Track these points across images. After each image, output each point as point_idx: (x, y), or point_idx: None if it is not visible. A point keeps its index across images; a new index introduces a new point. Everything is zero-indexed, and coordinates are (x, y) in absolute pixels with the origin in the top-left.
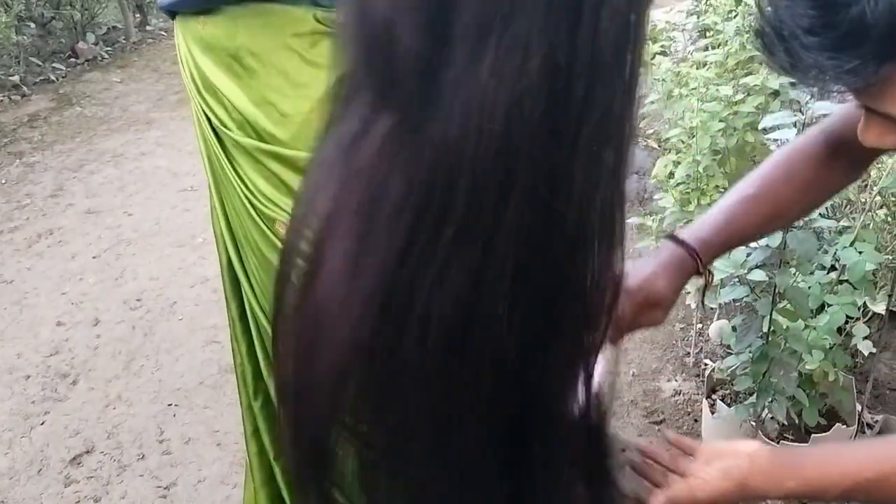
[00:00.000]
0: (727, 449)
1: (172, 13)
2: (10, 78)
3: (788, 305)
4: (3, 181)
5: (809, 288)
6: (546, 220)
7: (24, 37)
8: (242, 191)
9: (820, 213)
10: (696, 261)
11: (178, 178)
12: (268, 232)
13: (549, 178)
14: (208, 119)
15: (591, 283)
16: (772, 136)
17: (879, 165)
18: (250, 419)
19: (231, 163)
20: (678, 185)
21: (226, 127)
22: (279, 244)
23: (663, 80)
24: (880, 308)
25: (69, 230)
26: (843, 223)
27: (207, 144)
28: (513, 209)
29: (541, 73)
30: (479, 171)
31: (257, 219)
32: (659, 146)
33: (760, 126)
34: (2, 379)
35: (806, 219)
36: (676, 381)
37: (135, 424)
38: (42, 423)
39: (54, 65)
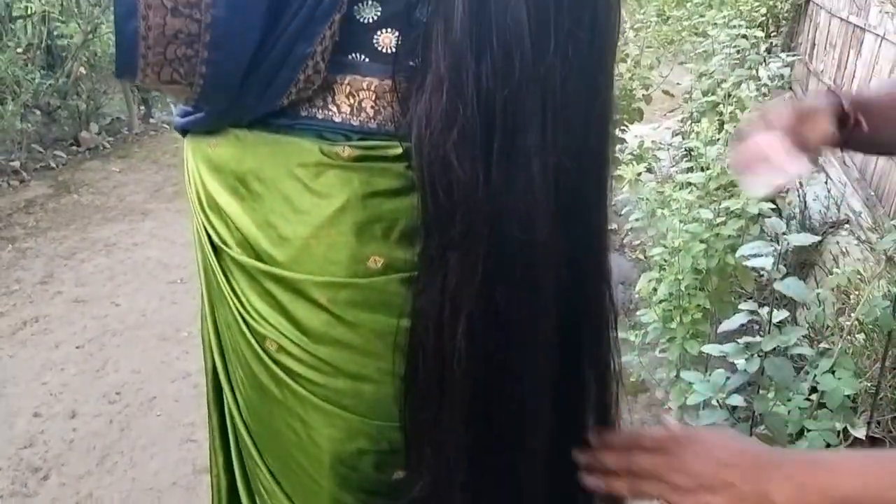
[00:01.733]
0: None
1: (184, 131)
2: (11, 163)
3: (767, 431)
4: None
5: (788, 413)
6: None
7: (30, 124)
8: (236, 306)
9: (797, 341)
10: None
11: (168, 270)
12: (258, 348)
13: None
14: (209, 235)
15: None
16: (749, 263)
17: (858, 291)
18: None
19: (227, 278)
20: (661, 302)
21: (226, 244)
22: (268, 361)
23: (647, 199)
24: (861, 433)
25: (55, 318)
26: (823, 345)
27: (205, 257)
28: None
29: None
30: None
31: (248, 335)
32: (644, 258)
33: (738, 253)
34: None
35: (783, 346)
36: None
37: None
38: None
39: (56, 152)
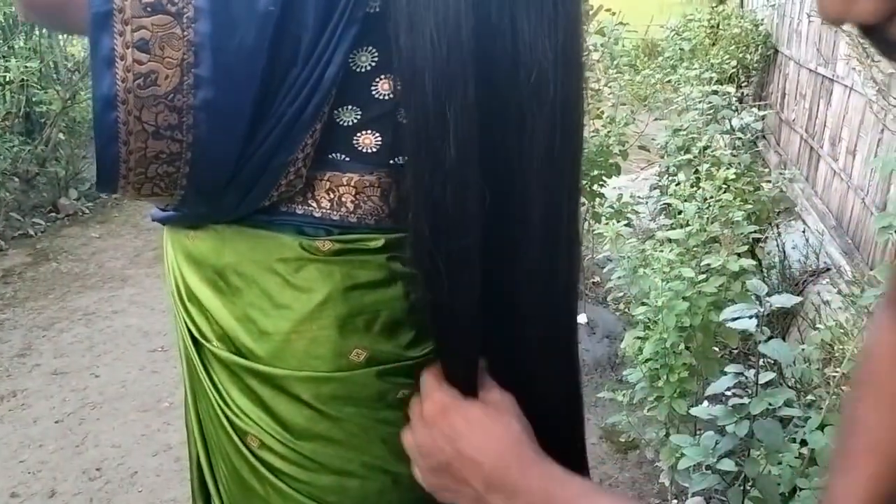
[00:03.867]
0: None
1: (161, 222)
2: None
3: (758, 493)
4: None
5: (780, 474)
6: None
7: (8, 192)
8: (217, 400)
9: (786, 402)
10: None
11: (148, 338)
12: (240, 444)
13: None
14: (188, 327)
15: None
16: (732, 325)
17: (842, 345)
18: None
19: (208, 371)
20: (646, 361)
21: (205, 338)
22: (251, 457)
23: (629, 257)
24: None
25: (33, 392)
26: (810, 397)
27: (186, 349)
28: None
29: None
30: None
31: (230, 430)
32: (628, 311)
33: (721, 316)
34: None
35: (772, 407)
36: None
37: None
38: None
39: (34, 219)
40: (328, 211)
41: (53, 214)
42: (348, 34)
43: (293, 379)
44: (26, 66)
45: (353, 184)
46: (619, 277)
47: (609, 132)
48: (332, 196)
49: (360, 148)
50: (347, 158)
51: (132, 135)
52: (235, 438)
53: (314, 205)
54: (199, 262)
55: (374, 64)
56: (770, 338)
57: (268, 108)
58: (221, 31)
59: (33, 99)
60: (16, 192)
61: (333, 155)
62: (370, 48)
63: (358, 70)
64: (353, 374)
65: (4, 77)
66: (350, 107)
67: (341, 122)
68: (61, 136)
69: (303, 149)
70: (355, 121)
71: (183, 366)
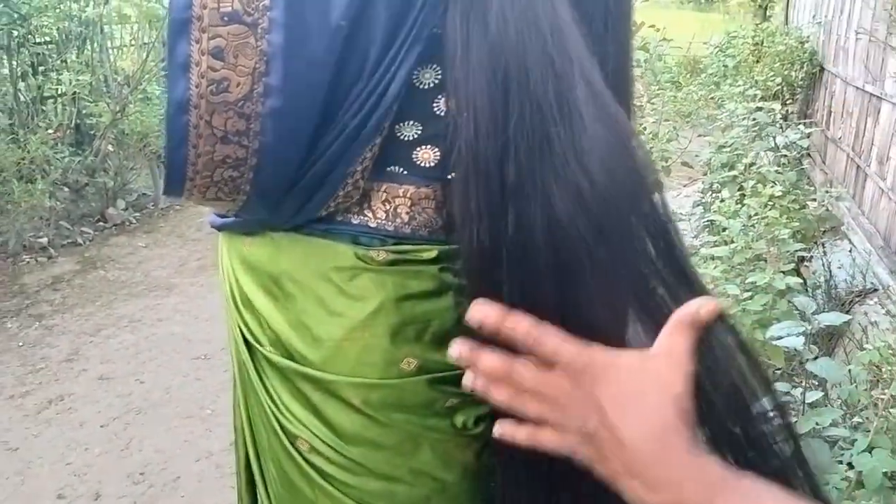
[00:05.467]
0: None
1: (219, 228)
2: (39, 240)
3: None
4: (21, 343)
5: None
6: None
7: (58, 201)
8: (268, 403)
9: (832, 423)
10: None
11: (192, 345)
12: (290, 447)
13: None
14: (241, 331)
15: None
16: (779, 343)
17: (890, 367)
18: None
19: (260, 375)
20: None
21: (258, 342)
22: (300, 461)
23: None
24: None
25: (80, 397)
26: (857, 419)
27: (239, 353)
28: None
29: None
30: None
31: (280, 433)
32: None
33: (768, 334)
34: None
35: (819, 426)
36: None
37: None
38: None
39: (83, 228)
40: (383, 221)
41: (101, 224)
42: (413, 52)
43: (345, 385)
44: (78, 80)
45: (409, 195)
46: None
47: (651, 148)
48: (387, 207)
49: (418, 162)
50: (405, 172)
51: (202, 139)
52: (286, 441)
53: (370, 215)
54: (255, 269)
55: (437, 81)
56: (817, 357)
57: (331, 120)
58: (293, 42)
59: (84, 111)
60: (65, 202)
61: (392, 168)
62: (434, 66)
63: (421, 86)
64: (404, 381)
65: (57, 90)
66: (411, 122)
67: (402, 137)
68: (110, 147)
69: (362, 161)
70: (416, 136)
71: (234, 369)
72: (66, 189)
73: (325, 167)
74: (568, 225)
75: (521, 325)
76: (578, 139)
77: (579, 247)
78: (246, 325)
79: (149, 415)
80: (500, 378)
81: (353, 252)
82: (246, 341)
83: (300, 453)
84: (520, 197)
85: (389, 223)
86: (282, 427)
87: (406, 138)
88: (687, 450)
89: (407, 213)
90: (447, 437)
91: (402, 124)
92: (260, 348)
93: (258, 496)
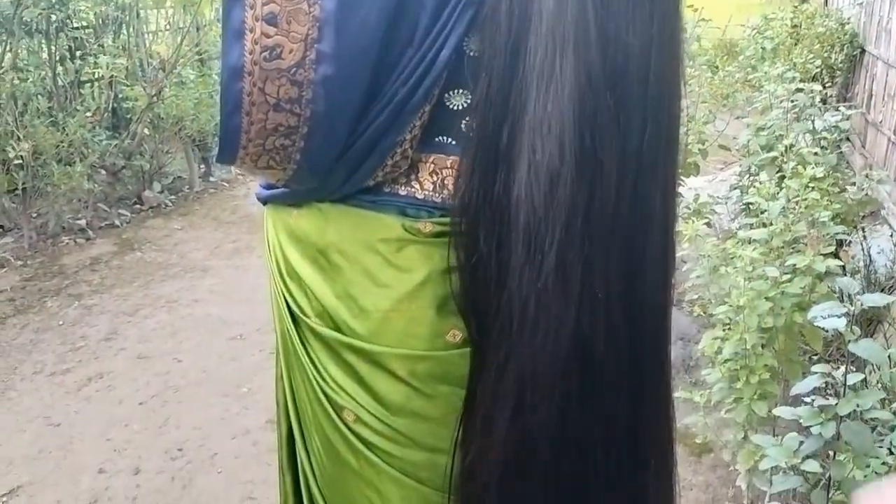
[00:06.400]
0: None
1: (265, 201)
2: (78, 221)
3: (844, 497)
4: (61, 322)
5: (865, 477)
6: None
7: (96, 184)
8: (314, 374)
9: (874, 405)
10: None
11: (228, 326)
12: (335, 418)
13: None
14: (287, 303)
15: None
16: (821, 324)
17: None
18: None
19: (305, 347)
20: (726, 361)
21: (304, 313)
22: (346, 431)
23: (709, 256)
24: None
25: (119, 375)
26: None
27: (283, 324)
28: None
29: None
30: None
31: (326, 404)
32: (704, 313)
33: (809, 315)
34: None
35: (860, 409)
36: None
37: None
38: None
39: (120, 210)
40: (430, 193)
41: (138, 206)
42: (464, 18)
43: (390, 356)
44: (114, 63)
45: (456, 167)
46: (698, 277)
47: (688, 130)
48: (435, 178)
49: (466, 132)
50: (453, 142)
51: (255, 106)
52: (331, 412)
53: (417, 186)
54: (302, 240)
55: None
56: (858, 339)
57: (381, 88)
58: (345, 9)
59: (120, 95)
60: (103, 185)
61: (440, 138)
62: None
63: (471, 53)
64: (449, 353)
65: (94, 73)
66: (460, 90)
67: (451, 106)
68: (146, 131)
69: (411, 130)
70: (464, 105)
71: (278, 342)
72: (103, 172)
73: (375, 135)
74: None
75: None
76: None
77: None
78: (292, 296)
79: (186, 393)
80: None
81: (400, 224)
82: (291, 313)
83: (346, 424)
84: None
85: (437, 195)
86: (327, 398)
87: (455, 107)
88: None
89: (454, 184)
90: None
91: (451, 93)
92: (306, 320)
93: (300, 468)
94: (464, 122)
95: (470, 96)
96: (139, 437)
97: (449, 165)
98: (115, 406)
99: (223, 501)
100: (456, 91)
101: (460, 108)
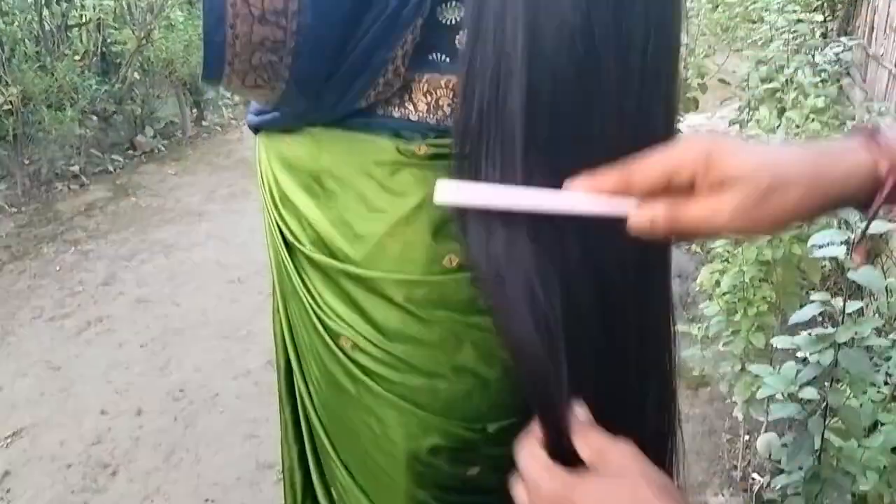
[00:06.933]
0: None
1: (256, 129)
2: (71, 168)
3: (840, 424)
4: (58, 268)
5: (861, 406)
6: None
7: (87, 129)
8: (310, 303)
9: (872, 332)
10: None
11: (225, 270)
12: (332, 346)
13: None
14: (281, 232)
15: None
16: (819, 253)
17: None
18: None
19: (301, 275)
20: (724, 294)
21: (299, 241)
22: (343, 359)
23: None
24: None
25: (118, 318)
26: (893, 336)
27: (277, 255)
28: None
29: None
30: None
31: (323, 332)
32: (701, 250)
33: (809, 243)
34: (44, 467)
35: (858, 337)
36: (723, 495)
37: None
38: None
39: (113, 156)
40: (425, 114)
41: (131, 152)
42: None
43: (387, 282)
44: (102, 6)
45: (451, 87)
46: None
47: (688, 64)
48: (429, 99)
49: (460, 47)
50: (447, 59)
51: (238, 18)
52: (328, 340)
53: (411, 108)
54: (295, 167)
55: None
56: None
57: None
58: None
59: (108, 39)
60: (95, 130)
61: (434, 56)
62: None
63: None
64: (446, 278)
65: (81, 16)
66: (453, 3)
67: (443, 21)
68: (136, 75)
69: (403, 45)
70: (458, 19)
71: (273, 274)
72: (94, 118)
73: (366, 51)
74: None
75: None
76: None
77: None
78: (286, 225)
79: (186, 335)
80: None
81: (394, 146)
82: (286, 242)
83: (343, 351)
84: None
85: (431, 116)
86: (324, 326)
87: (448, 22)
88: None
89: (449, 105)
90: (489, 334)
91: (443, 6)
92: (301, 248)
93: (298, 399)
94: (457, 37)
95: (463, 9)
96: (140, 380)
97: (443, 85)
98: (115, 349)
99: (226, 440)
100: (448, 4)
101: (453, 21)
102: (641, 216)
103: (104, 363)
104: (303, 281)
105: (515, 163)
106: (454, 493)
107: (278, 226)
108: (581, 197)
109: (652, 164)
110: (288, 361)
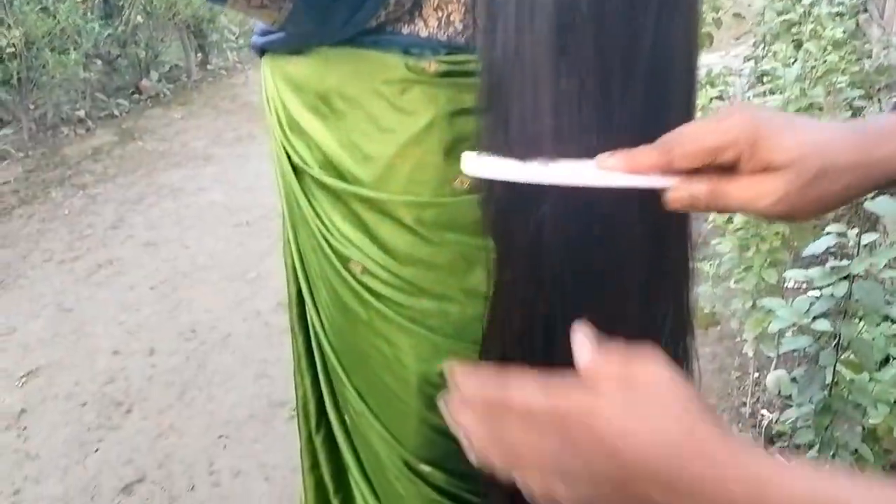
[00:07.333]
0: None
1: (262, 51)
2: (77, 112)
3: (852, 357)
4: (67, 212)
5: (874, 339)
6: None
7: (92, 73)
8: (319, 228)
9: (888, 263)
10: None
11: (233, 214)
12: (342, 270)
13: None
14: (288, 156)
15: None
16: None
17: None
18: (309, 453)
19: (309, 200)
20: (737, 230)
21: (307, 165)
22: (353, 283)
23: None
24: None
25: (128, 261)
26: None
27: (285, 180)
28: None
29: None
30: None
31: (332, 257)
32: None
33: None
34: (59, 406)
35: (873, 269)
36: (732, 431)
37: (186, 455)
38: (96, 451)
39: (118, 100)
40: (435, 30)
41: (136, 96)
42: None
43: (396, 204)
44: None
45: (462, 1)
46: None
47: None
48: (440, 14)
49: None
50: None
51: None
52: (338, 265)
53: (421, 24)
54: (302, 88)
55: None
56: (875, 196)
57: None
58: None
59: None
60: (99, 74)
61: None
62: None
63: None
64: (457, 200)
65: None
66: None
67: None
68: (139, 18)
69: None
70: None
71: (282, 200)
72: (98, 62)
73: None
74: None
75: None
76: None
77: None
78: (294, 149)
79: (195, 278)
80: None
81: (403, 63)
82: (294, 167)
83: (353, 275)
84: None
85: (442, 32)
86: (333, 250)
87: None
88: (733, 460)
89: (460, 20)
90: None
91: None
92: (309, 171)
93: (310, 327)
94: None
95: None
96: (151, 321)
97: (454, 0)
98: (125, 291)
99: (238, 379)
100: None
101: None
102: (682, 192)
103: (115, 305)
104: (311, 205)
105: (545, 96)
106: None
107: (286, 150)
108: (616, 174)
109: (695, 143)
110: (299, 291)
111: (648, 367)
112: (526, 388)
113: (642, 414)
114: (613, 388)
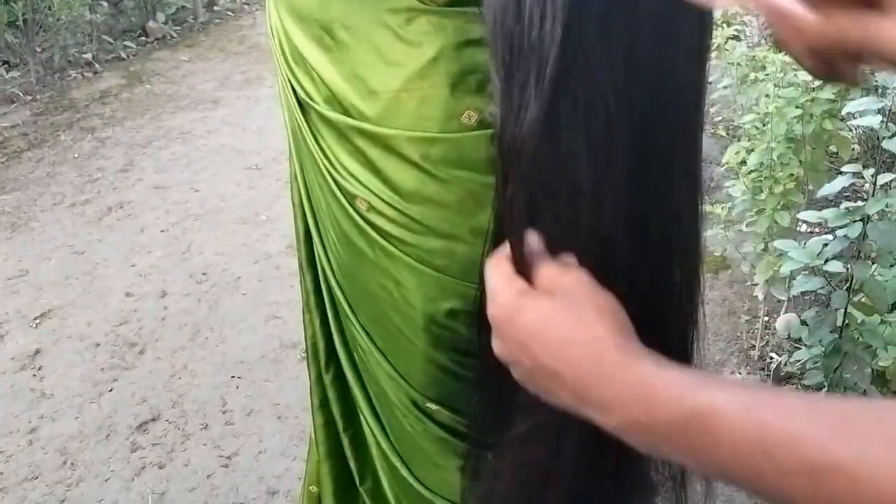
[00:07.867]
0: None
1: None
2: (84, 55)
3: (864, 299)
4: (76, 155)
5: (887, 282)
6: None
7: (98, 15)
8: (325, 165)
9: None
10: None
11: (243, 156)
12: (348, 208)
13: None
14: (294, 90)
15: None
16: (855, 122)
17: None
18: (319, 391)
19: (315, 136)
20: (750, 172)
21: (312, 99)
22: (359, 221)
23: (738, 64)
24: None
25: (138, 204)
26: None
27: (291, 115)
28: None
29: None
30: None
31: (338, 194)
32: (727, 134)
33: (844, 111)
34: (73, 346)
35: (888, 210)
36: (741, 374)
37: (199, 395)
38: (110, 390)
39: (125, 43)
40: None
41: (143, 38)
42: None
43: (403, 139)
44: None
45: None
46: (726, 87)
47: None
48: None
49: None
50: None
51: None
52: (344, 202)
53: None
54: (305, 18)
55: None
56: (894, 135)
57: None
58: None
59: None
60: (105, 16)
61: None
62: None
63: None
64: (465, 136)
65: None
66: None
67: None
68: None
69: None
70: None
71: (288, 137)
72: (104, 3)
73: None
74: None
75: None
76: None
77: None
78: (298, 82)
79: (206, 220)
80: None
81: None
82: (299, 101)
83: (359, 213)
84: None
85: None
86: (339, 187)
87: None
88: (621, 358)
89: None
90: None
91: None
92: (314, 106)
93: (318, 265)
94: None
95: None
96: (163, 263)
97: None
98: (136, 234)
99: (250, 321)
100: None
101: None
102: (824, 23)
103: (126, 247)
104: (317, 142)
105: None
106: (471, 357)
107: (291, 84)
108: None
109: None
110: (307, 229)
111: (574, 275)
112: (496, 279)
113: (557, 319)
114: (541, 293)
